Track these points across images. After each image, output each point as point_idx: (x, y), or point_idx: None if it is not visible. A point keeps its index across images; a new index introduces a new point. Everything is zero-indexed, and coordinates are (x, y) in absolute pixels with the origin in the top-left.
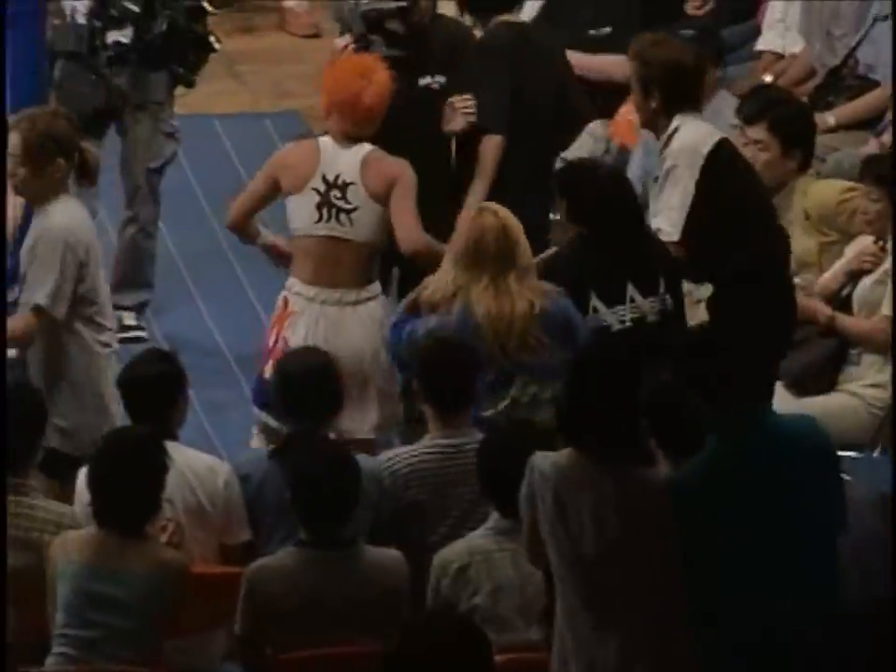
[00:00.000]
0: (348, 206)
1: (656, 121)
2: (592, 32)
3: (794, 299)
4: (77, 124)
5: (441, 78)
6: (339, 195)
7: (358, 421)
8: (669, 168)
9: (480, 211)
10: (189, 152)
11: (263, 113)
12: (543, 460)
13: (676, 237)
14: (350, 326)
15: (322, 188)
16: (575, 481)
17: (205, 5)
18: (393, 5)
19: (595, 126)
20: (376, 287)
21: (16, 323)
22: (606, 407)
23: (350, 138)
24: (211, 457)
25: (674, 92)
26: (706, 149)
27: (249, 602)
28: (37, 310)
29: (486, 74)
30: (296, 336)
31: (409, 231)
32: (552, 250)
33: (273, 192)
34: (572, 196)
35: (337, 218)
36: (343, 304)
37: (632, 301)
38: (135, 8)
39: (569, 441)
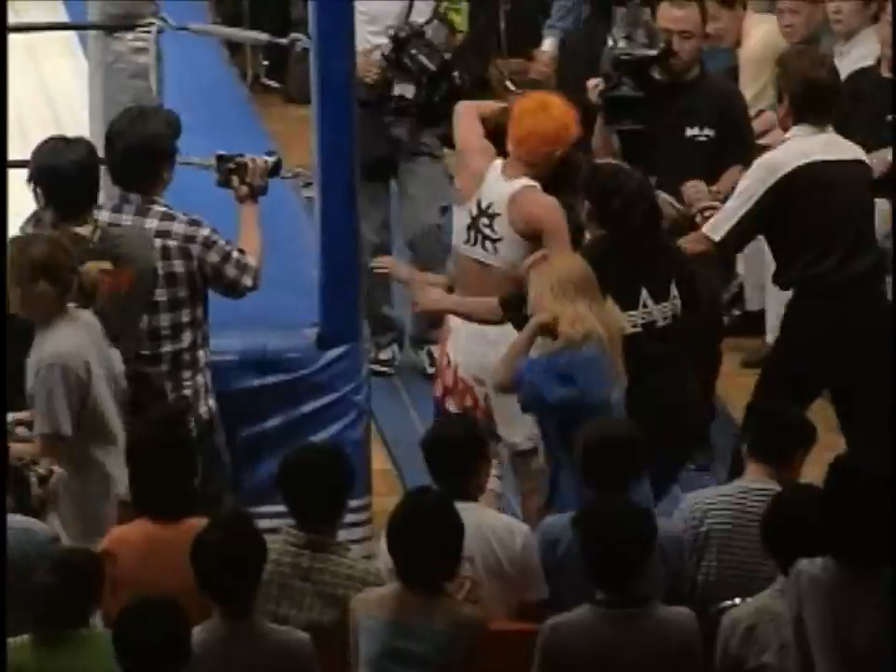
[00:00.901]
0: (494, 236)
1: (785, 126)
2: None
3: None
4: (73, 252)
5: (709, 131)
6: (486, 223)
7: (514, 431)
8: (745, 176)
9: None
10: None
11: None
12: (810, 566)
13: (715, 237)
14: (488, 341)
15: (475, 211)
16: (840, 587)
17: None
18: (650, 52)
19: None
20: None
21: (27, 450)
22: (867, 516)
23: (521, 168)
24: (509, 518)
25: (801, 103)
26: (784, 170)
27: (544, 658)
28: (47, 439)
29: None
30: (455, 352)
31: None
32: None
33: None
34: (597, 199)
35: (483, 244)
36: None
37: (644, 306)
38: (431, 66)
39: (832, 548)
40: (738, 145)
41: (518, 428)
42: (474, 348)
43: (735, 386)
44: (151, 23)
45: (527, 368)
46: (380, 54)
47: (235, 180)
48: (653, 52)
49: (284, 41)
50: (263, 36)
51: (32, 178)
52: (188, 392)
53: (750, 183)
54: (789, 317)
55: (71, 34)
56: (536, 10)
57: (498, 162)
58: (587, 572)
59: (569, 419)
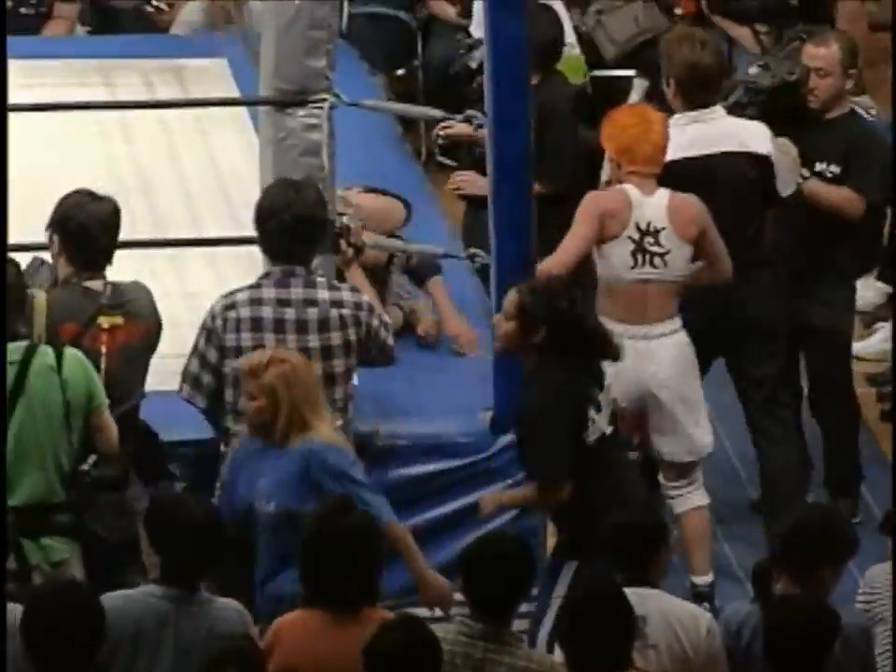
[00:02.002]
0: (661, 250)
1: (675, 109)
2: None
3: None
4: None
5: (835, 168)
6: (652, 241)
7: (678, 445)
8: None
9: None
10: None
11: None
12: None
13: None
14: (659, 356)
15: (636, 235)
16: None
17: None
18: (771, 83)
19: None
20: (678, 320)
21: None
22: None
23: (653, 181)
24: (693, 605)
25: (687, 87)
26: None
27: None
28: None
29: None
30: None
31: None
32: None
33: (597, 238)
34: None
35: (651, 263)
36: (650, 338)
37: (593, 422)
38: None
39: None
40: (862, 184)
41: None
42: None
43: None
44: (324, 99)
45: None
46: None
47: (342, 244)
48: (772, 83)
49: (459, 118)
50: (438, 113)
51: (51, 226)
52: None
53: None
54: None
55: (242, 109)
56: None
57: (628, 187)
58: (770, 661)
59: None
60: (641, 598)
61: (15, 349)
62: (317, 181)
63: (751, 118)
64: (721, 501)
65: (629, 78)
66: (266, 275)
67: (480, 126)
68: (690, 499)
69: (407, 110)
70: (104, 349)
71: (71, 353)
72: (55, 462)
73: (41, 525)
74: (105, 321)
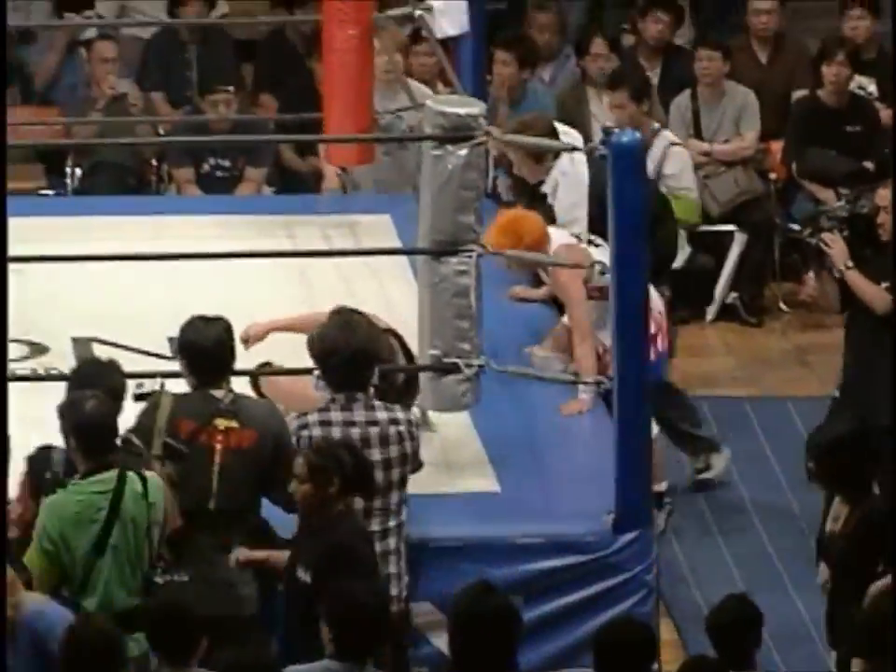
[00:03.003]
0: None
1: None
2: None
3: None
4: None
5: None
6: None
7: None
8: None
9: None
10: (765, 430)
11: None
12: None
13: None
14: None
15: None
16: None
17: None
18: (855, 212)
19: None
20: None
21: None
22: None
23: None
24: None
25: None
26: None
27: None
28: None
29: None
30: None
31: None
32: None
33: None
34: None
35: None
36: None
37: None
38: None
39: None
40: None
41: None
42: None
43: None
44: (472, 249)
45: None
46: None
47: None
48: (849, 213)
49: (598, 268)
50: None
51: (178, 351)
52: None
53: None
54: None
55: (403, 257)
56: None
57: None
58: None
59: None
60: None
61: (108, 478)
62: (468, 318)
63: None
64: None
65: (731, 233)
66: (332, 401)
67: (603, 273)
68: None
69: (539, 257)
70: (218, 447)
71: (153, 479)
72: (141, 572)
73: (129, 628)
74: (220, 423)
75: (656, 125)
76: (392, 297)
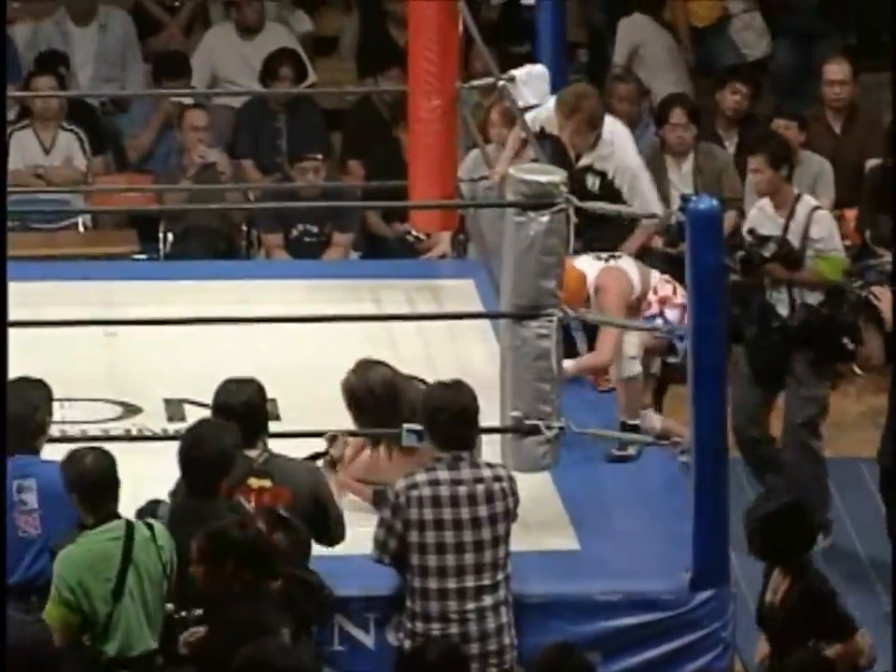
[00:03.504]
0: None
1: None
2: None
3: None
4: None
5: None
6: None
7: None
8: None
9: None
10: (839, 491)
11: None
12: None
13: None
14: None
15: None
16: None
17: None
18: None
19: None
20: None
21: None
22: None
23: None
24: None
25: None
26: None
27: None
28: None
29: None
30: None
31: None
32: None
33: None
34: None
35: None
36: None
37: None
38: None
39: None
40: None
41: None
42: None
43: None
44: (552, 313)
45: None
46: None
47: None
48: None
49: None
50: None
51: (212, 414)
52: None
53: None
54: None
55: (486, 321)
56: None
57: None
58: None
59: None
60: None
61: (117, 526)
62: (548, 381)
63: None
64: None
65: None
66: (438, 460)
67: (670, 331)
68: None
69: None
70: (251, 506)
71: (158, 526)
72: (156, 614)
73: (149, 669)
74: (254, 482)
75: (796, 191)
76: (473, 360)
